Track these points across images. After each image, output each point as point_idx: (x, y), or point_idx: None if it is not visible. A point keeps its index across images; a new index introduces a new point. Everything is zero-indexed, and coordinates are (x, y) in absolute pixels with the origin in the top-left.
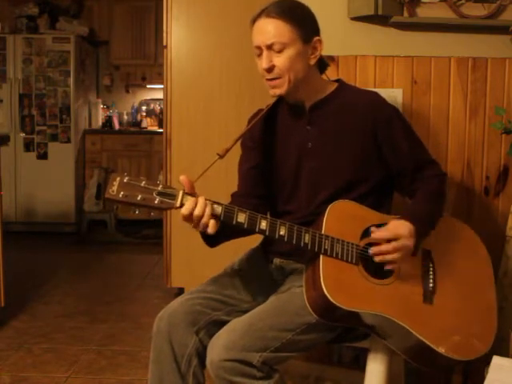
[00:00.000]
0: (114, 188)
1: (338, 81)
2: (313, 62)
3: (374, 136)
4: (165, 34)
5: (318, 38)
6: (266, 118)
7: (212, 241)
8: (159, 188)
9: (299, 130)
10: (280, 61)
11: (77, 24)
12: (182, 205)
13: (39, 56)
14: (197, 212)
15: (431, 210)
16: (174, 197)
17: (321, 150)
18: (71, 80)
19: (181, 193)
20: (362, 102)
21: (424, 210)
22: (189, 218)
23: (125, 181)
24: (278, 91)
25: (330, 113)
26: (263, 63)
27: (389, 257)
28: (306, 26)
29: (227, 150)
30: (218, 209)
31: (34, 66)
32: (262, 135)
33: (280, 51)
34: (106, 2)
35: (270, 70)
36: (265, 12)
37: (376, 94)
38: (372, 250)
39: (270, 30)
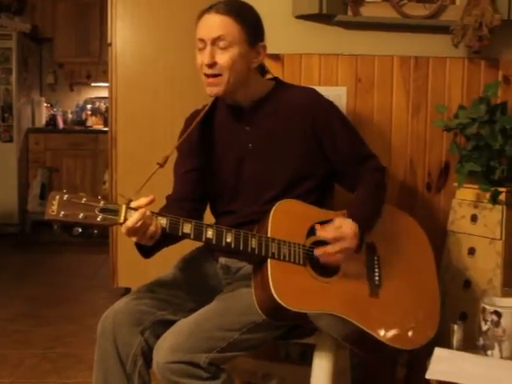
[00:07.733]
0: (54, 208)
1: (274, 79)
2: (254, 65)
3: (314, 131)
4: (109, 32)
5: (263, 43)
6: (204, 119)
7: (148, 252)
8: (101, 204)
9: (238, 131)
10: (223, 58)
11: (19, 20)
12: (125, 220)
13: None
14: (148, 221)
15: (373, 206)
16: (116, 212)
17: (262, 150)
18: (13, 78)
19: (124, 207)
20: (300, 100)
21: (367, 207)
22: (135, 230)
23: (64, 199)
24: (215, 90)
25: (268, 112)
26: (205, 58)
27: (333, 258)
28: (253, 29)
29: (167, 158)
30: (163, 221)
31: None
32: (199, 138)
33: (224, 48)
34: None
35: (211, 65)
36: (214, 8)
37: (312, 89)
38: (316, 252)
39: (218, 25)
